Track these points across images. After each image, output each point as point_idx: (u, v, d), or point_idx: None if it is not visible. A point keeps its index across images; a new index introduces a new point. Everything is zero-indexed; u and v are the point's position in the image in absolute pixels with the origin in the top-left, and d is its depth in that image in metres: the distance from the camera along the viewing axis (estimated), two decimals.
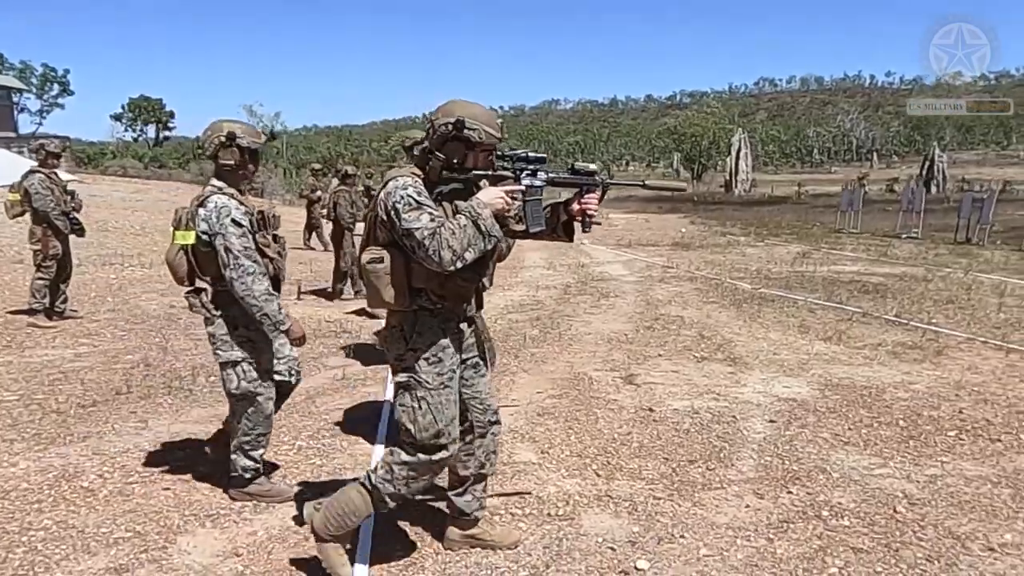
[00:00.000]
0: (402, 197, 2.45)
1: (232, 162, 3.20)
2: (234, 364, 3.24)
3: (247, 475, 3.40)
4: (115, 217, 16.49)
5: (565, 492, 3.56)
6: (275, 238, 3.34)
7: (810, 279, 10.93)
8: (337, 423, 4.53)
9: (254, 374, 3.26)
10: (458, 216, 2.45)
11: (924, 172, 34.36)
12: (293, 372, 3.63)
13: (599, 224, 2.70)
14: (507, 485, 3.62)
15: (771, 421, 4.57)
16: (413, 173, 2.56)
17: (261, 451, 3.40)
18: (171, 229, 3.26)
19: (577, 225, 2.67)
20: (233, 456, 3.39)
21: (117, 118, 71.53)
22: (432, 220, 2.41)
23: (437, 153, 2.52)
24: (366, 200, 10.04)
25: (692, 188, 38.78)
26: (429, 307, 2.58)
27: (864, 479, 3.70)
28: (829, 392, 5.19)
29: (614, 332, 7.23)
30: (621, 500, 3.44)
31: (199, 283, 3.26)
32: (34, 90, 62.54)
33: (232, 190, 3.22)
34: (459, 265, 2.42)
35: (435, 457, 2.62)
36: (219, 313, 3.20)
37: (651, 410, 4.78)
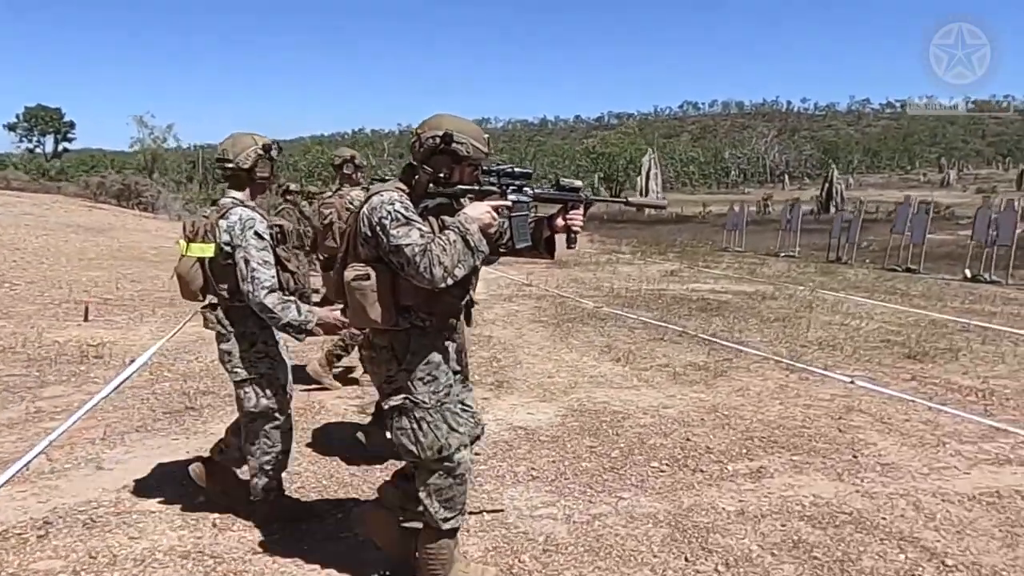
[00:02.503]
0: (389, 213, 2.39)
1: (267, 174, 3.14)
2: (251, 381, 3.11)
3: (272, 496, 3.21)
4: None
5: (169, 547, 3.06)
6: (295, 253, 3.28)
7: (658, 297, 10.78)
8: None
9: (272, 390, 3.14)
10: (447, 232, 2.40)
11: (823, 194, 35.58)
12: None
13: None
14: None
15: (476, 453, 4.17)
16: (398, 188, 2.51)
17: (284, 471, 3.26)
18: (182, 242, 3.11)
19: (560, 241, 2.65)
20: (254, 481, 3.18)
21: (11, 128, 67.77)
22: (422, 236, 2.37)
23: (424, 166, 2.48)
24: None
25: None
26: (420, 325, 2.50)
27: (517, 521, 3.31)
28: (571, 419, 4.84)
29: None
30: (207, 556, 2.94)
31: (211, 299, 3.13)
32: None
33: (253, 203, 3.14)
34: (450, 282, 2.37)
35: (447, 466, 2.55)
36: (233, 330, 3.09)
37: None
